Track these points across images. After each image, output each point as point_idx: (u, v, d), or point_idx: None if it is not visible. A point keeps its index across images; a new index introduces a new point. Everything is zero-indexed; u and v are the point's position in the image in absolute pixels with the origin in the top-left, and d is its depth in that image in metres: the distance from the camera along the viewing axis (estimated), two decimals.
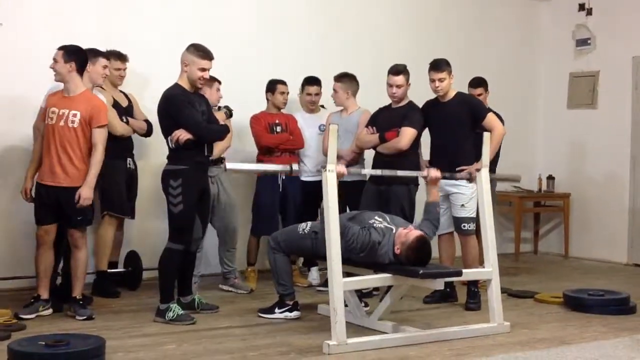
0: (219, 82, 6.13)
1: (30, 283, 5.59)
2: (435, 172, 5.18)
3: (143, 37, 6.48)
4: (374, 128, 5.81)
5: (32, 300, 5.16)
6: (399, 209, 5.54)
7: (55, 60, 5.09)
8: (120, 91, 6.12)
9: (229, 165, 4.95)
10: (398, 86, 5.72)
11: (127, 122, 5.95)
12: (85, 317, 5.06)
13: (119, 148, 5.92)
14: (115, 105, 5.93)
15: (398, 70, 5.73)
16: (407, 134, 5.65)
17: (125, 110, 6.04)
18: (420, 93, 6.01)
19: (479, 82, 6.81)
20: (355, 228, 4.78)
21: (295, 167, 4.84)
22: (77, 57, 5.09)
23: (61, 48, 5.10)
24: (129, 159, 6.10)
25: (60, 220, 5.16)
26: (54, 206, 5.11)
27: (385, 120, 5.79)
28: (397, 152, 5.65)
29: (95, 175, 5.10)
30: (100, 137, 5.11)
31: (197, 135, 5.08)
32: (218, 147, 6.00)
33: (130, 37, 6.35)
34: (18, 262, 5.92)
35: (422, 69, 5.83)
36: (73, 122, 5.04)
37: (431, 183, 5.18)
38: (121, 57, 6.04)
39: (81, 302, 5.16)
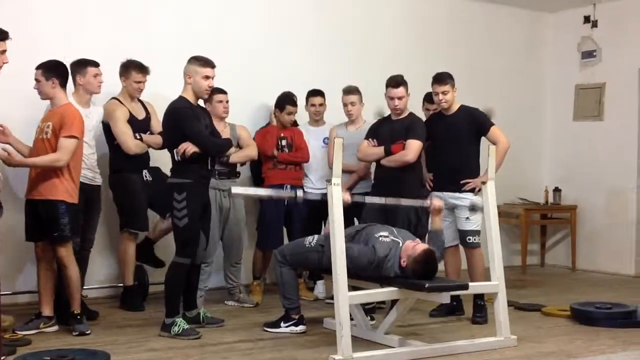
0: (222, 93, 6.09)
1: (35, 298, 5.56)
2: (438, 202, 5.17)
3: (150, 51, 6.44)
4: (375, 140, 5.79)
5: (33, 318, 5.11)
6: (406, 223, 5.47)
7: (37, 80, 5.06)
8: (139, 100, 6.02)
9: (234, 189, 4.97)
10: (399, 98, 5.68)
11: (141, 139, 5.86)
12: (78, 333, 5.01)
13: (134, 161, 5.85)
14: (131, 119, 5.86)
15: (397, 82, 5.69)
16: (413, 147, 5.61)
17: (142, 124, 5.94)
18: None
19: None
20: (355, 249, 4.75)
21: (299, 193, 4.83)
22: (56, 72, 5.07)
23: (39, 67, 5.07)
24: (144, 171, 5.97)
25: (47, 236, 5.09)
26: (38, 222, 5.07)
27: (387, 133, 5.76)
28: (403, 165, 5.63)
29: (32, 164, 4.97)
30: (64, 145, 4.93)
31: (203, 149, 5.08)
32: (241, 155, 6.06)
33: (137, 50, 6.33)
34: (22, 277, 5.92)
35: (426, 81, 5.84)
36: (47, 133, 5.00)
37: (434, 213, 5.17)
38: (142, 70, 5.91)
39: (78, 317, 5.10)
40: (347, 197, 4.77)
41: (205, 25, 6.87)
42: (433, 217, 5.19)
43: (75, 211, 5.11)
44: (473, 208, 5.54)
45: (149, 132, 6.00)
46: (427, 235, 5.20)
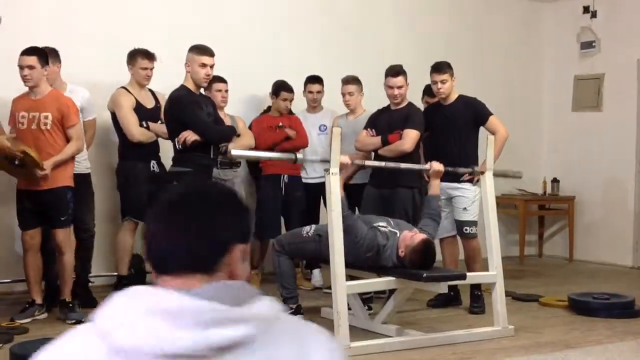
0: (222, 82, 6.07)
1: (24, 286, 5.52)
2: (438, 165, 5.16)
3: (143, 37, 6.36)
4: (374, 130, 5.77)
5: (27, 305, 5.12)
6: (403, 213, 5.45)
7: (31, 67, 4.94)
8: (150, 90, 5.92)
9: (234, 152, 4.87)
10: (399, 87, 5.66)
11: (148, 127, 5.77)
12: (74, 321, 4.98)
13: (141, 151, 5.77)
14: (138, 107, 5.76)
15: (397, 71, 5.66)
16: (410, 136, 5.59)
17: (150, 113, 5.83)
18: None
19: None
20: (364, 228, 4.77)
21: (299, 156, 4.80)
22: (46, 59, 5.05)
23: (33, 53, 4.97)
24: (152, 162, 5.85)
25: (44, 223, 5.11)
26: (36, 210, 5.08)
27: (385, 122, 5.74)
28: (400, 154, 5.61)
29: (58, 161, 4.99)
30: (74, 134, 5.09)
31: (204, 136, 5.05)
32: (239, 143, 5.99)
33: (131, 38, 6.28)
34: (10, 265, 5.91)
35: (425, 72, 5.82)
36: (46, 124, 4.98)
37: (433, 176, 5.16)
38: (148, 56, 5.77)
39: (70, 305, 5.11)
40: (346, 159, 4.75)
41: (200, 15, 6.82)
42: (431, 181, 5.17)
43: (73, 194, 5.17)
44: (472, 172, 5.50)
45: (160, 122, 5.82)
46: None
